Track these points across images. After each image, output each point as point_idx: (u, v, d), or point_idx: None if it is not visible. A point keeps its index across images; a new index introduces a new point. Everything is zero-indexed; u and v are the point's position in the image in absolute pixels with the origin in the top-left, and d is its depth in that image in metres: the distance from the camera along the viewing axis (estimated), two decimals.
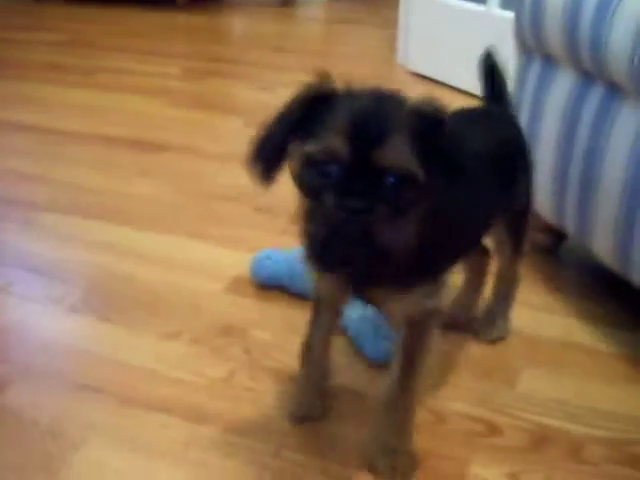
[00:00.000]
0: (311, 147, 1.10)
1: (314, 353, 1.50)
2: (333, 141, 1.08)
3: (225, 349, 1.74)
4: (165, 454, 1.43)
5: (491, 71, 1.70)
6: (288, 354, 1.70)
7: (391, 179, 1.08)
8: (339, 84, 1.17)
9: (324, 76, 1.18)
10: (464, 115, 1.59)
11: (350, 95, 1.14)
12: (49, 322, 1.87)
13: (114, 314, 1.87)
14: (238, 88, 3.98)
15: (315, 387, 1.53)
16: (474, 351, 1.76)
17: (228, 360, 1.70)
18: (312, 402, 1.53)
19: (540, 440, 1.48)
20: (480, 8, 3.69)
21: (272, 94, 3.64)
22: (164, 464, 1.41)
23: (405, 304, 1.30)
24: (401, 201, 1.09)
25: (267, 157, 1.17)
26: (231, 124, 3.24)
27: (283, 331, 1.80)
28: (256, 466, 1.40)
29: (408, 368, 1.35)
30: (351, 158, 1.07)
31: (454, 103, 3.71)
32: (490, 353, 1.74)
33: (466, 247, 1.55)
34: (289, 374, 1.65)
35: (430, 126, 1.11)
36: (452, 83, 3.85)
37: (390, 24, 4.75)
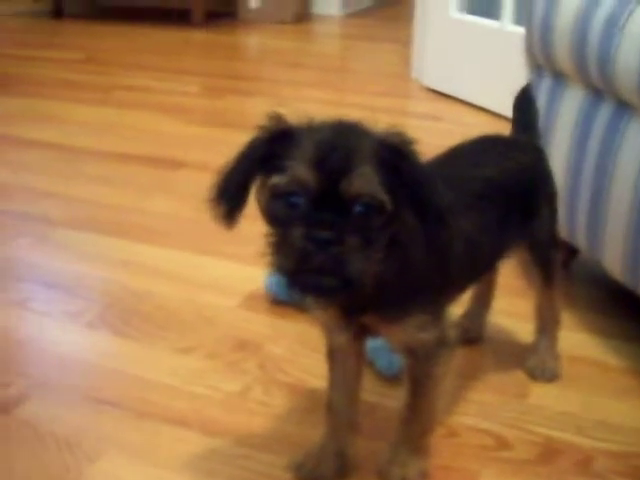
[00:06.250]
0: (277, 179, 1.10)
1: (336, 412, 1.43)
2: (299, 171, 1.07)
3: (239, 364, 1.77)
4: (180, 467, 1.45)
5: (526, 103, 1.71)
6: (302, 369, 1.74)
7: (359, 208, 1.08)
8: (303, 119, 1.17)
9: (279, 117, 1.17)
10: (487, 141, 1.60)
11: (312, 129, 1.14)
12: (66, 337, 1.89)
13: (130, 329, 1.90)
14: (255, 104, 4.01)
15: (336, 449, 1.43)
16: (485, 365, 1.78)
17: (243, 375, 1.73)
18: (328, 466, 1.42)
19: (549, 453, 1.49)
20: (494, 24, 3.72)
21: (289, 110, 3.63)
22: (178, 476, 1.43)
23: (398, 335, 1.29)
24: (370, 230, 1.09)
25: (229, 197, 1.17)
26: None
27: (297, 346, 1.82)
28: (266, 477, 1.42)
29: (417, 395, 1.35)
30: (318, 187, 1.07)
31: (467, 118, 3.73)
32: (501, 367, 1.76)
33: (467, 279, 1.51)
34: (303, 389, 1.68)
35: (395, 157, 1.11)
36: (466, 98, 3.87)
37: (405, 40, 4.78)
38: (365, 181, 1.07)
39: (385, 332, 1.32)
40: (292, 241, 1.08)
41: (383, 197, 1.08)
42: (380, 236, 1.12)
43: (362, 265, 1.08)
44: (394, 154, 1.12)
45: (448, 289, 1.38)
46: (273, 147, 1.13)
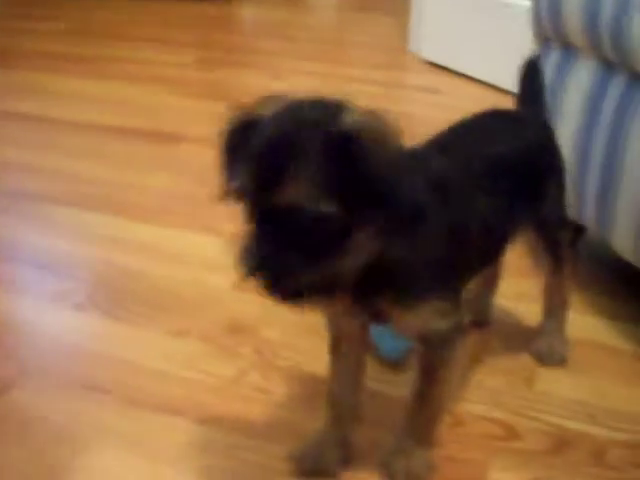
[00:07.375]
0: (232, 183, 1.06)
1: (339, 402, 1.38)
2: (242, 178, 1.02)
3: (235, 348, 1.71)
4: (173, 459, 1.39)
5: (533, 76, 1.64)
6: (299, 352, 1.68)
7: (298, 217, 0.99)
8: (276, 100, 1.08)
9: (244, 108, 1.10)
10: (493, 117, 1.53)
11: (270, 120, 1.04)
12: (54, 319, 1.84)
13: (121, 311, 1.84)
14: (252, 77, 3.94)
15: (338, 439, 1.38)
16: (492, 348, 1.72)
17: (238, 359, 1.67)
18: (331, 456, 1.37)
19: (561, 443, 1.43)
20: None
21: (285, 83, 3.62)
22: (171, 469, 1.37)
23: (413, 322, 1.23)
24: (316, 236, 1.01)
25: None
26: None
27: (294, 329, 1.76)
28: (264, 469, 1.36)
29: (428, 383, 1.30)
30: (257, 197, 1.01)
31: (466, 91, 3.67)
32: (508, 350, 1.70)
33: (481, 262, 1.45)
34: (301, 373, 1.62)
35: (351, 150, 1.00)
36: (466, 71, 3.81)
37: (404, 11, 4.71)
38: (299, 189, 0.98)
39: (398, 319, 1.24)
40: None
41: (321, 204, 0.99)
42: (339, 238, 1.03)
43: (311, 274, 1.03)
44: (350, 147, 1.00)
45: (463, 274, 1.34)
46: (242, 137, 1.07)
